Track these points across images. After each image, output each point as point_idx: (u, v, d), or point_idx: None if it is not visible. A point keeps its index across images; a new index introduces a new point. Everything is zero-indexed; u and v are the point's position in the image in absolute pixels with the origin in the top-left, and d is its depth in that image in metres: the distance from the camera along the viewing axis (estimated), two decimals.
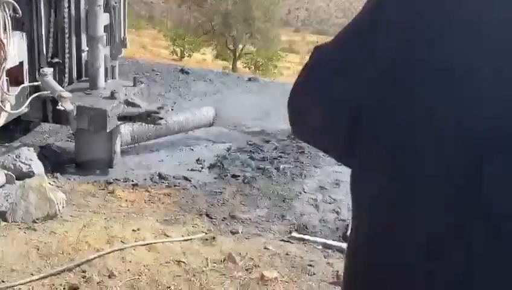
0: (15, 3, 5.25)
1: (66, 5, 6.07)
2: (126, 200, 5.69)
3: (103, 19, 6.15)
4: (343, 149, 1.10)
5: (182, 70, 14.42)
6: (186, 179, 6.36)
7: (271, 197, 5.97)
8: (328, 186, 6.21)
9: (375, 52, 1.00)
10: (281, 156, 6.90)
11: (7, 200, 5.13)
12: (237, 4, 28.72)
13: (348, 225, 5.43)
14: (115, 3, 6.55)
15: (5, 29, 5.12)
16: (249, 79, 14.75)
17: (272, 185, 6.22)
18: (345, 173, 6.49)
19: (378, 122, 0.98)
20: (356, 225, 1.07)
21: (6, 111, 5.17)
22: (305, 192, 6.07)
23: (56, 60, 6.13)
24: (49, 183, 5.62)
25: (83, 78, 6.58)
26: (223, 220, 5.50)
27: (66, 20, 6.08)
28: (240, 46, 32.04)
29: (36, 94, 5.52)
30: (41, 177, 5.20)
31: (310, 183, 6.24)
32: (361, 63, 1.02)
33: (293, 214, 5.67)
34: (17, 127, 6.76)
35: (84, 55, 6.58)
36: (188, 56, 36.45)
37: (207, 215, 5.55)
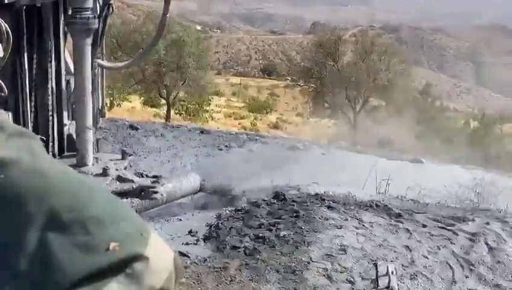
0: (0, 81, 4.84)
1: (49, 77, 5.68)
2: None
3: (92, 99, 5.80)
4: None
5: (132, 126, 14.04)
6: (184, 254, 5.99)
7: (279, 270, 5.71)
8: (334, 253, 6.02)
9: None
10: (278, 222, 6.66)
11: None
12: (169, 52, 28.50)
13: None
14: (95, 75, 6.20)
15: None
16: (201, 132, 14.56)
17: (276, 255, 5.97)
18: (347, 237, 6.36)
19: None
20: None
21: None
22: (313, 261, 5.85)
23: (38, 136, 5.68)
24: None
25: (66, 154, 6.16)
26: None
27: (50, 94, 5.68)
28: (174, 94, 31.75)
29: None
30: None
31: (316, 251, 6.03)
32: None
33: (306, 288, 5.43)
34: None
35: (66, 129, 6.17)
36: (117, 105, 35.81)
37: None
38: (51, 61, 5.70)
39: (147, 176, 6.93)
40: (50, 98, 5.73)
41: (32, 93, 5.58)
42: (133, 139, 12.90)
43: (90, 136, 5.83)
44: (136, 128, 13.89)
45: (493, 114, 46.26)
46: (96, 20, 5.75)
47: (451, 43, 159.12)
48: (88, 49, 5.67)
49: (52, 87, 5.76)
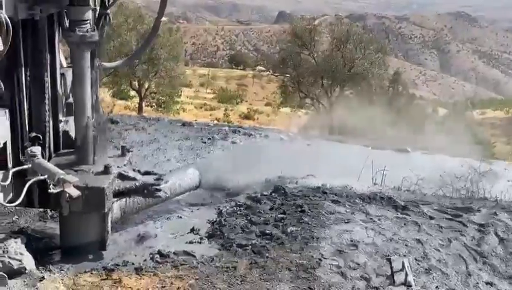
0: None
1: (45, 73, 5.36)
2: None
3: (90, 93, 5.51)
4: None
5: (111, 120, 13.66)
6: (189, 254, 5.76)
7: (290, 268, 5.51)
8: (345, 248, 5.84)
9: None
10: (283, 218, 6.46)
11: None
12: (141, 44, 28.01)
13: None
14: (93, 82, 5.88)
15: None
16: (183, 124, 14.25)
17: (286, 253, 5.77)
18: (357, 232, 6.20)
19: None
20: None
21: (3, 204, 4.39)
22: (324, 258, 5.67)
23: (34, 134, 5.37)
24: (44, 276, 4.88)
25: (62, 151, 5.84)
26: None
27: (47, 90, 5.36)
28: (146, 86, 31.28)
29: (32, 180, 4.75)
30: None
31: (326, 247, 5.85)
32: None
33: (321, 286, 5.25)
34: None
35: (61, 125, 5.85)
36: None
37: None
38: (45, 58, 5.39)
39: (139, 171, 6.63)
40: (46, 94, 5.40)
41: (28, 90, 5.26)
42: (113, 133, 12.54)
43: (90, 132, 5.53)
44: (116, 122, 13.52)
45: (462, 101, 46.79)
46: (96, 33, 5.48)
47: (416, 32, 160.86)
48: (87, 62, 5.46)
49: (47, 83, 5.44)
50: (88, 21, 5.44)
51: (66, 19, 5.52)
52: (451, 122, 33.82)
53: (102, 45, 6.13)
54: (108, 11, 5.81)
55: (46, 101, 5.40)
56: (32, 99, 5.34)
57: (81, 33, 5.35)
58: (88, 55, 5.49)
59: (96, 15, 5.71)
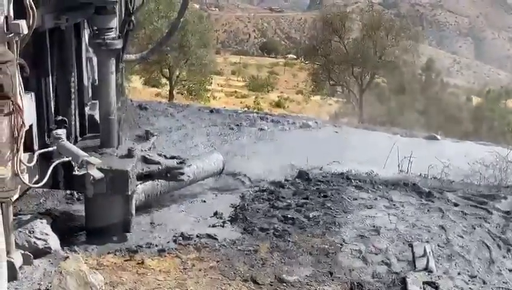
0: (22, 60, 4.59)
1: (71, 57, 5.46)
2: (160, 271, 5.11)
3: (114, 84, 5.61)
4: None
5: (140, 107, 13.79)
6: (211, 237, 5.83)
7: (312, 252, 5.54)
8: (367, 234, 5.85)
9: None
10: (305, 203, 6.48)
11: (37, 288, 4.45)
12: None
13: (404, 278, 5.09)
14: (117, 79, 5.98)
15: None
16: (211, 111, 14.30)
17: (307, 237, 5.80)
18: (379, 218, 6.19)
19: None
20: None
21: (28, 185, 4.49)
22: (345, 243, 5.68)
23: (60, 117, 5.47)
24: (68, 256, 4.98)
25: (88, 135, 5.95)
26: (271, 285, 5.04)
27: (73, 74, 5.45)
28: (177, 73, 31.45)
29: (56, 162, 4.85)
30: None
31: (348, 232, 5.86)
32: None
33: (342, 271, 5.27)
34: None
35: (87, 109, 5.96)
36: None
37: (253, 280, 5.06)
38: (71, 41, 5.48)
39: (165, 156, 6.72)
40: (71, 78, 5.50)
41: (54, 73, 5.35)
42: (142, 120, 12.66)
43: (115, 116, 5.62)
44: (145, 108, 13.64)
45: (496, 89, 45.81)
46: (121, 41, 5.59)
47: (450, 19, 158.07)
48: (113, 66, 5.58)
49: (73, 68, 5.54)
50: (113, 29, 5.53)
51: (91, 26, 5.63)
52: (484, 110, 33.26)
53: (127, 47, 6.23)
54: (133, 17, 5.89)
55: (72, 85, 5.50)
56: (58, 83, 5.44)
57: (106, 41, 5.45)
58: (113, 61, 5.60)
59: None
